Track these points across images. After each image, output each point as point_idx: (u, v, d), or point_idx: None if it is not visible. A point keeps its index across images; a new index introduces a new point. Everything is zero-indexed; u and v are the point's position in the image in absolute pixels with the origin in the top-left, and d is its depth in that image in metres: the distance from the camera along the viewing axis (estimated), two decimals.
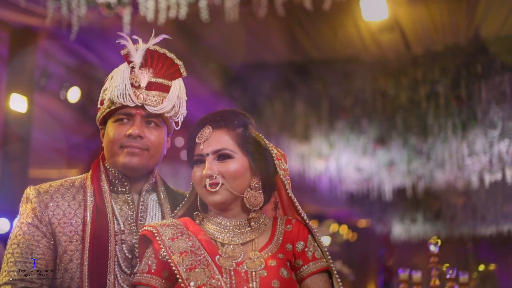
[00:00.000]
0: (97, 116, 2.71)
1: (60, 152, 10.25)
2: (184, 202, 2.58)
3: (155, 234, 2.35)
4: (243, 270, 2.30)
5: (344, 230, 17.57)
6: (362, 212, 17.94)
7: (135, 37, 2.65)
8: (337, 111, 10.58)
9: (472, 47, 9.19)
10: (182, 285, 2.23)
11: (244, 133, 2.44)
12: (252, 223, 2.43)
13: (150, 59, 2.62)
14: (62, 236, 2.52)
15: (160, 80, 2.61)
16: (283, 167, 2.50)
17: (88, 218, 2.54)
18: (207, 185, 2.35)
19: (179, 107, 2.67)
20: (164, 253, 2.30)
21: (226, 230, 2.42)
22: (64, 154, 10.31)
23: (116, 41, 2.64)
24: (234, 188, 2.37)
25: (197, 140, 2.43)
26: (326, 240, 9.98)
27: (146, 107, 2.57)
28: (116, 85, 2.57)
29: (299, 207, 2.48)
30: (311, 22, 8.57)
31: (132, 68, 2.60)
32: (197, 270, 2.25)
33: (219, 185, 2.35)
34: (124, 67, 2.61)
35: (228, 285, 2.25)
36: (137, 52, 2.61)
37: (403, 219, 17.66)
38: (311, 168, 12.31)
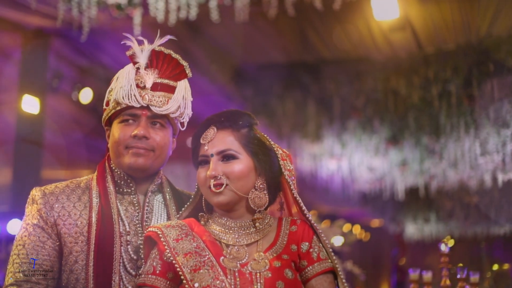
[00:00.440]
0: (103, 117, 2.71)
1: (73, 153, 10.28)
2: (189, 203, 2.57)
3: (160, 235, 2.35)
4: (248, 271, 2.29)
5: (357, 230, 17.53)
6: (375, 212, 17.90)
7: (140, 38, 2.65)
8: (349, 111, 10.54)
9: (484, 45, 9.13)
10: (186, 286, 2.22)
11: (248, 133, 2.44)
12: (257, 224, 2.42)
13: (156, 60, 2.61)
14: (67, 237, 2.52)
15: (165, 81, 2.61)
16: (288, 167, 2.49)
17: (94, 219, 2.54)
18: (212, 186, 2.35)
19: (185, 108, 2.67)
20: (169, 254, 2.30)
21: (230, 231, 2.41)
22: (77, 155, 10.33)
23: (121, 42, 2.64)
24: (238, 188, 2.36)
25: (201, 141, 2.43)
26: (339, 240, 9.95)
27: (152, 107, 2.56)
28: (122, 86, 2.57)
29: (304, 208, 2.47)
30: (323, 22, 8.56)
31: (138, 69, 2.60)
32: (201, 271, 2.24)
33: (224, 185, 2.34)
34: (129, 68, 2.61)
35: (232, 286, 2.24)
36: (142, 53, 2.61)
37: (416, 219, 17.58)
38: (324, 168, 12.28)
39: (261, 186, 2.41)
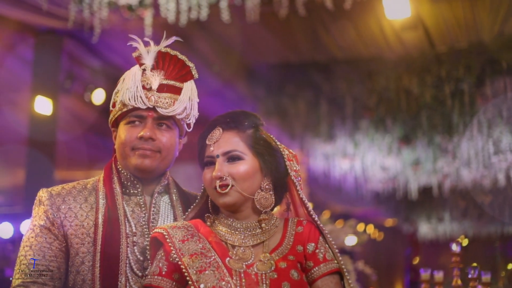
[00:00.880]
0: (109, 118, 2.72)
1: (85, 153, 10.31)
2: (195, 204, 2.58)
3: (166, 236, 2.35)
4: (253, 272, 2.29)
5: (370, 230, 17.51)
6: (389, 211, 17.85)
7: (146, 39, 2.66)
8: (361, 110, 10.52)
9: (497, 44, 9.08)
10: (192, 287, 2.22)
11: (254, 134, 2.44)
12: (263, 225, 2.41)
13: (162, 61, 2.62)
14: (74, 239, 2.53)
15: (171, 82, 2.61)
16: (294, 168, 2.49)
17: (100, 221, 2.55)
18: (217, 187, 2.35)
19: (191, 109, 2.67)
20: (175, 255, 2.30)
21: (236, 232, 2.41)
22: (89, 156, 10.36)
23: (128, 44, 2.65)
24: (244, 189, 2.36)
25: (207, 142, 2.43)
26: (351, 240, 9.92)
27: (158, 109, 2.57)
28: (128, 88, 2.57)
29: (310, 208, 2.47)
30: (334, 22, 8.54)
31: (144, 70, 2.60)
32: (207, 272, 2.24)
33: (229, 186, 2.34)
34: (135, 70, 2.62)
35: (238, 287, 2.24)
36: (148, 54, 2.61)
37: (429, 218, 17.52)
38: (336, 167, 12.26)
39: (267, 186, 2.41)
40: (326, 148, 11.51)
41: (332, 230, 7.76)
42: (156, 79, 2.58)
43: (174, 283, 2.32)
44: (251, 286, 2.25)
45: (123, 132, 2.61)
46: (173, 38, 2.66)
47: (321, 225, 2.46)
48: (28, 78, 8.54)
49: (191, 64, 2.65)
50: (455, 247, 5.07)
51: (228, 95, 10.59)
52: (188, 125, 2.72)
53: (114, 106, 2.67)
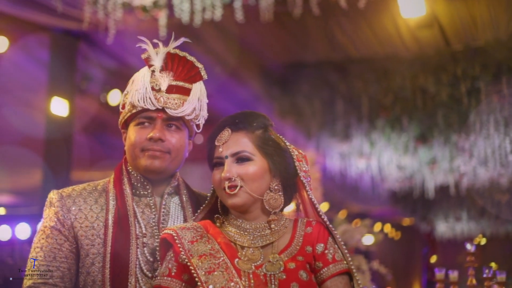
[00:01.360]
0: (119, 120, 2.73)
1: (102, 154, 10.35)
2: (204, 205, 2.58)
3: (175, 237, 2.36)
4: (262, 273, 2.29)
5: (387, 229, 17.44)
6: (406, 210, 17.77)
7: (155, 40, 2.66)
8: (377, 109, 10.47)
9: None
10: None
11: (263, 135, 2.44)
12: (272, 225, 2.41)
13: (171, 63, 2.62)
14: (84, 240, 2.54)
15: (180, 83, 2.61)
16: (304, 168, 2.49)
17: (110, 222, 2.56)
18: (226, 188, 2.35)
19: (200, 110, 2.66)
20: (184, 256, 2.31)
21: (246, 233, 2.41)
22: (106, 156, 10.40)
23: (136, 45, 2.65)
24: (253, 190, 2.36)
25: (216, 143, 2.43)
26: (367, 240, 9.88)
27: (167, 110, 2.57)
28: (137, 89, 2.58)
29: (319, 209, 2.46)
30: (349, 21, 8.53)
31: (153, 71, 2.60)
32: (216, 273, 2.24)
33: (238, 187, 2.34)
34: (144, 71, 2.62)
35: None
36: (157, 56, 2.62)
37: (447, 217, 17.43)
38: (353, 167, 12.22)
39: (276, 187, 2.41)
40: (342, 148, 11.48)
41: (346, 230, 7.73)
42: (165, 80, 2.58)
43: (183, 284, 2.32)
44: (260, 287, 2.25)
45: (132, 134, 2.62)
46: (182, 39, 2.66)
47: (330, 226, 2.46)
48: (44, 79, 8.58)
49: (200, 65, 2.65)
50: (469, 247, 5.06)
51: (243, 95, 10.61)
52: (198, 126, 2.72)
53: (123, 107, 2.69)
